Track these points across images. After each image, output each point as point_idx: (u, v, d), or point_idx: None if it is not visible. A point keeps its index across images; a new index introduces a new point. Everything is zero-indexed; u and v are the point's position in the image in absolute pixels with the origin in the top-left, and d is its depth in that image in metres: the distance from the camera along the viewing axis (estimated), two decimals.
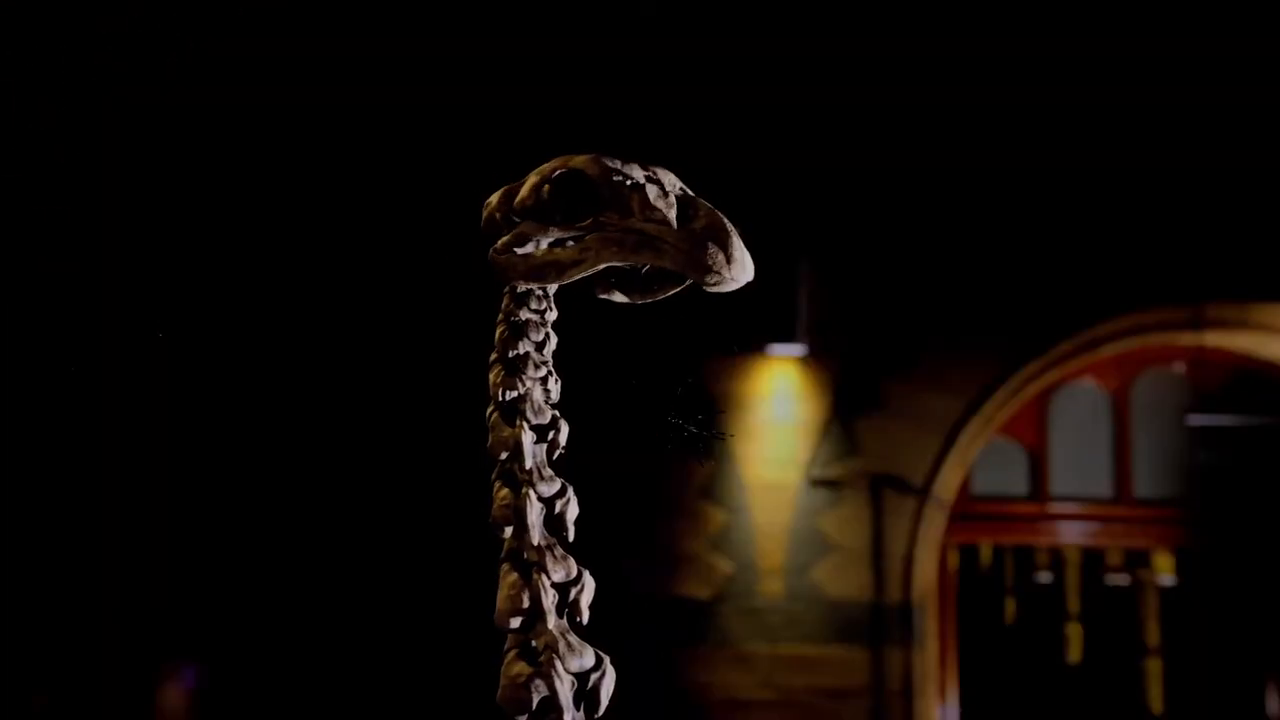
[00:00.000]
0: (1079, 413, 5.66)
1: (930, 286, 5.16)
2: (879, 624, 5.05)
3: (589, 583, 1.21)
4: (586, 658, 1.16)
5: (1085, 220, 5.12)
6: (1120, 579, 6.25)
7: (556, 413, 1.26)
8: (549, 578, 1.17)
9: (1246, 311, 5.31)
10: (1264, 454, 5.66)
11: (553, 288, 1.30)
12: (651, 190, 1.14)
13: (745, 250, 1.13)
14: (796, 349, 5.07)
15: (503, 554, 1.18)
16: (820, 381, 5.15)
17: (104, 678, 4.83)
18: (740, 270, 1.12)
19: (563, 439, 1.25)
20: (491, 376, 1.25)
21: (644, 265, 1.18)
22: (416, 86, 4.87)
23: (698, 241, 1.10)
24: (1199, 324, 5.27)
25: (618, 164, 1.16)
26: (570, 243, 1.18)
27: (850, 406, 5.13)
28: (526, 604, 1.15)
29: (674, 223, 1.12)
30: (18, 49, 4.91)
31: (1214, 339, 5.40)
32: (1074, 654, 6.30)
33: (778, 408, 5.14)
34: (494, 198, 1.25)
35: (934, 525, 5.20)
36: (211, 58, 4.88)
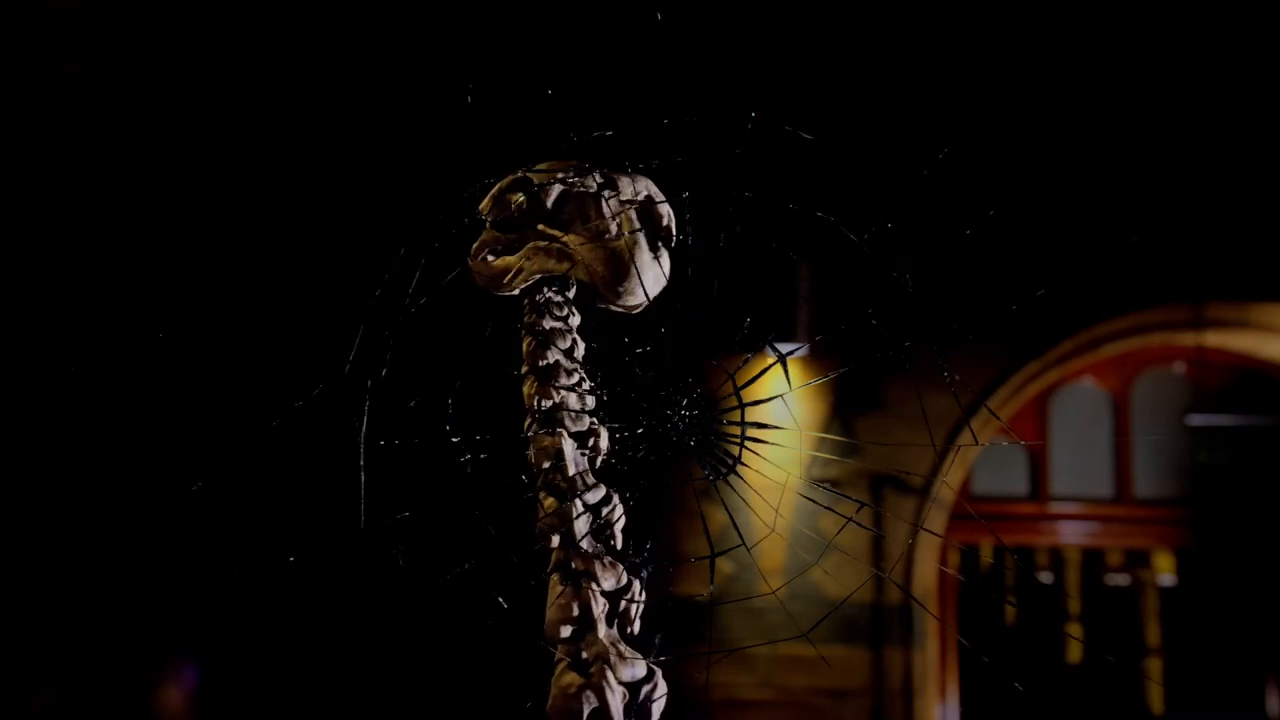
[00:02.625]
0: (1079, 412, 5.66)
1: (930, 286, 5.15)
2: (879, 624, 5.05)
3: (639, 591, 1.19)
4: (638, 668, 1.15)
5: (1085, 220, 5.12)
6: (1120, 579, 6.24)
7: (594, 419, 1.26)
8: (599, 586, 1.16)
9: (1247, 311, 5.31)
10: (1264, 454, 5.65)
11: (570, 292, 1.31)
12: (596, 202, 1.18)
13: (649, 267, 1.17)
14: (797, 349, 5.06)
15: (550, 564, 1.17)
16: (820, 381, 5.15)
17: (104, 678, 4.83)
18: (625, 297, 1.18)
19: (604, 444, 1.26)
20: (525, 389, 1.24)
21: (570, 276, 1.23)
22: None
23: (600, 261, 1.17)
24: (1199, 324, 5.27)
25: (574, 171, 1.20)
26: (514, 247, 1.23)
27: (850, 406, 5.13)
28: (576, 614, 1.13)
29: (605, 236, 1.17)
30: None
31: (1214, 339, 5.40)
32: (1074, 654, 6.29)
33: (777, 407, 5.13)
34: (485, 200, 1.28)
35: (934, 525, 5.20)
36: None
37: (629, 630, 1.18)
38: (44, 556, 4.88)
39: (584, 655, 1.12)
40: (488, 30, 4.97)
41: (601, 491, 1.23)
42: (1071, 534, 5.74)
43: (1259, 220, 5.14)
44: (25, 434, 4.92)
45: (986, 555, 6.13)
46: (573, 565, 1.16)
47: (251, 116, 5.11)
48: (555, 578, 1.16)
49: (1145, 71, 4.99)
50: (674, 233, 1.24)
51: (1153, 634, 6.00)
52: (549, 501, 1.19)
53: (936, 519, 5.19)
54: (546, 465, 1.20)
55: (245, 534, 4.77)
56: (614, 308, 1.21)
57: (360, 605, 4.42)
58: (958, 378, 1.40)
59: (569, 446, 1.21)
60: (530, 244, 1.21)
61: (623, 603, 1.18)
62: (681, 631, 1.28)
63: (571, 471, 1.20)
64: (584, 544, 1.17)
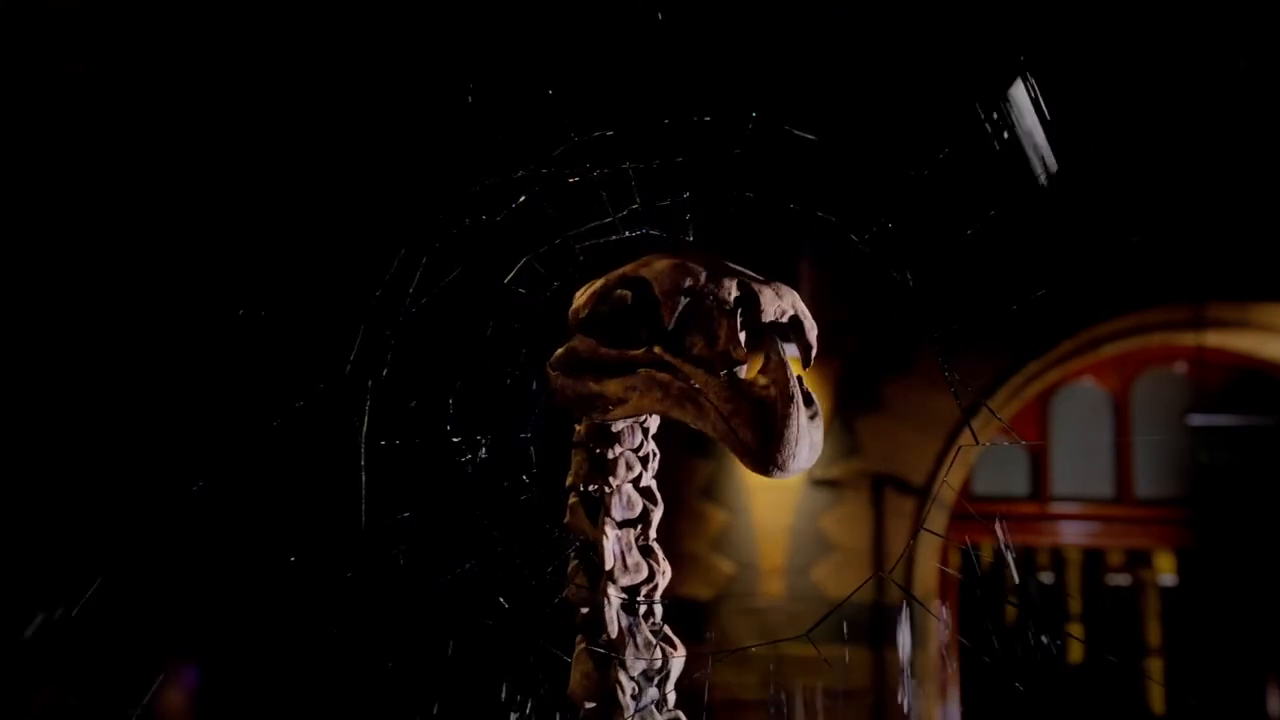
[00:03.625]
0: (1080, 413, 5.66)
1: (931, 286, 5.15)
2: (880, 624, 5.04)
3: (675, 667, 1.12)
4: None
5: (1086, 220, 5.12)
6: (1121, 579, 6.24)
7: (648, 502, 1.14)
8: (626, 672, 1.08)
9: (1247, 311, 5.30)
10: (1265, 454, 5.65)
11: (652, 426, 1.12)
12: (730, 323, 0.91)
13: (805, 433, 0.89)
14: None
15: (578, 642, 1.10)
16: (820, 381, 5.15)
17: (104, 678, 4.83)
18: (792, 455, 0.88)
19: (655, 524, 1.15)
20: (576, 461, 1.11)
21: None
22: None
23: (747, 413, 0.88)
24: (1200, 324, 5.27)
25: (704, 279, 0.91)
26: (621, 374, 0.97)
27: (850, 406, 5.13)
28: (602, 691, 1.06)
29: (737, 374, 0.90)
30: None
31: (1215, 339, 5.40)
32: (1075, 654, 6.29)
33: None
34: (579, 295, 1.05)
35: (935, 525, 5.20)
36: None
37: (665, 710, 1.11)
38: (44, 556, 4.88)
39: None
40: (489, 30, 4.97)
41: (643, 573, 1.13)
42: (1072, 534, 5.74)
43: (1259, 220, 5.13)
44: (26, 434, 4.92)
45: (988, 556, 6.12)
46: (600, 644, 1.07)
47: (252, 116, 5.11)
48: (581, 649, 1.09)
49: (1146, 71, 4.99)
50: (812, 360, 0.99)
51: (1153, 634, 6.00)
52: (579, 579, 1.10)
53: (937, 519, 5.18)
54: (580, 542, 1.11)
55: (246, 534, 4.76)
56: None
57: (361, 605, 4.42)
58: (958, 377, 1.36)
59: (610, 541, 1.09)
60: (643, 373, 0.94)
61: (655, 680, 1.10)
62: (685, 632, 1.27)
63: (609, 564, 1.09)
64: (613, 629, 1.08)
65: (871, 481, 5.11)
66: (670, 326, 0.91)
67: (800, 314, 0.95)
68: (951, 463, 5.08)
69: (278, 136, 5.10)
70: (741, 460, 0.89)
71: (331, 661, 4.79)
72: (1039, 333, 5.18)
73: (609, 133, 1.28)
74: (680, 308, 0.91)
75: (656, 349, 0.93)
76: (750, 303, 0.92)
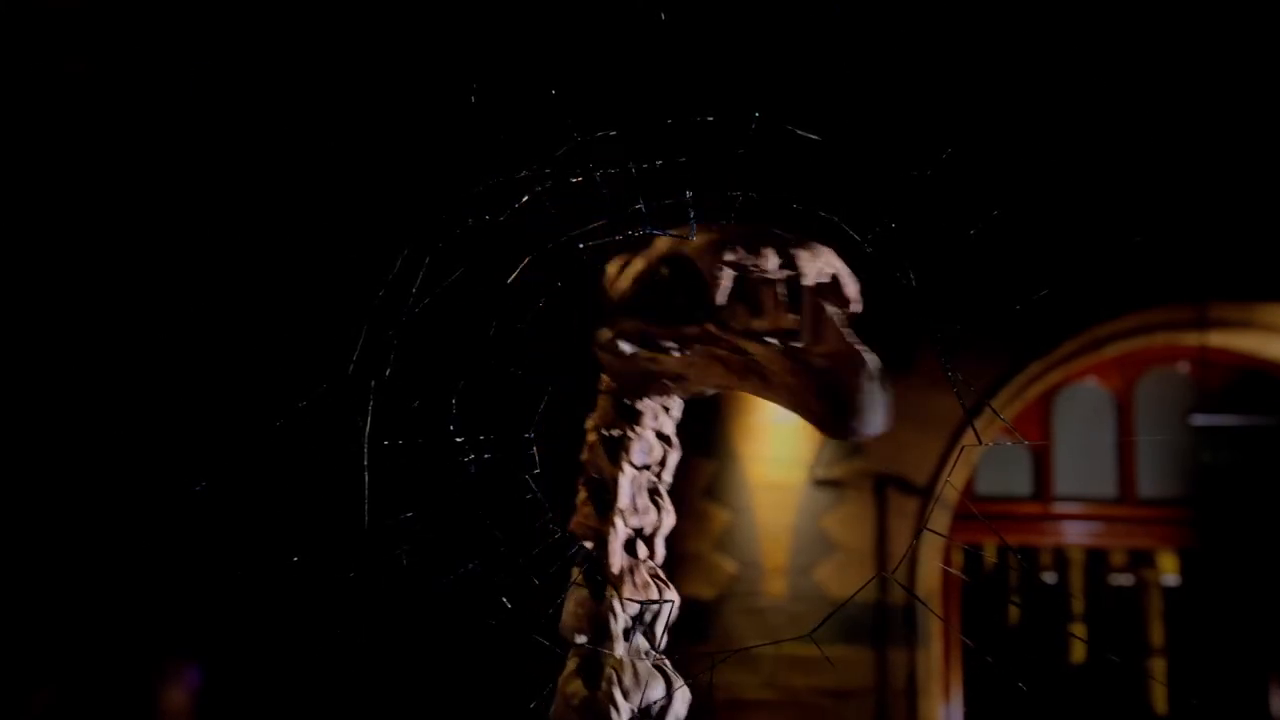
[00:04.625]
0: (1083, 413, 5.65)
1: (934, 286, 5.15)
2: (883, 624, 5.04)
3: (668, 609, 1.10)
4: (654, 689, 1.06)
5: (1089, 220, 5.11)
6: (1124, 579, 6.24)
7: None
8: (623, 607, 1.06)
9: (1251, 311, 5.30)
10: (1268, 454, 5.65)
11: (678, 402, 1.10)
12: (775, 291, 0.88)
13: (877, 395, 0.86)
14: None
15: (574, 574, 1.08)
16: None
17: (104, 678, 4.83)
18: (866, 422, 0.86)
19: (671, 464, 1.14)
20: (591, 443, 1.10)
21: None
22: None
23: (813, 382, 0.86)
24: (1203, 324, 5.26)
25: (743, 250, 0.89)
26: (676, 351, 0.95)
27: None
28: (594, 620, 1.05)
29: (793, 342, 0.87)
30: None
31: (1218, 339, 5.39)
32: (1078, 654, 6.29)
33: (781, 408, 5.13)
34: (611, 268, 1.04)
35: (938, 525, 5.20)
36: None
37: (654, 644, 1.09)
38: (45, 556, 4.88)
39: (597, 665, 1.04)
40: (490, 30, 4.97)
41: (650, 516, 1.13)
42: (1075, 534, 5.73)
43: (1262, 220, 5.13)
44: (27, 433, 4.92)
45: (991, 556, 6.12)
46: (597, 576, 1.06)
47: (253, 116, 5.11)
48: (578, 577, 1.07)
49: (1148, 71, 4.98)
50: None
51: (1156, 634, 5.99)
52: (587, 509, 1.09)
53: (940, 519, 5.18)
54: (593, 477, 1.10)
55: (248, 534, 4.77)
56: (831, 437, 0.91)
57: (364, 606, 4.42)
58: (961, 377, 1.36)
59: (625, 479, 1.09)
60: (700, 348, 0.92)
61: (648, 614, 1.09)
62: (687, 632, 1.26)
63: (622, 502, 1.08)
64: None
65: (874, 481, 5.11)
66: (719, 301, 0.89)
67: (839, 271, 0.93)
68: (954, 463, 5.07)
69: (279, 136, 5.10)
70: (818, 428, 0.88)
71: (334, 660, 4.79)
72: (1042, 333, 5.18)
73: (612, 133, 1.28)
74: (726, 280, 0.89)
75: (709, 325, 0.91)
76: (791, 268, 0.90)
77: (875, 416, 0.85)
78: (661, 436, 1.12)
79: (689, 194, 1.25)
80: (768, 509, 5.09)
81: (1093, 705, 5.87)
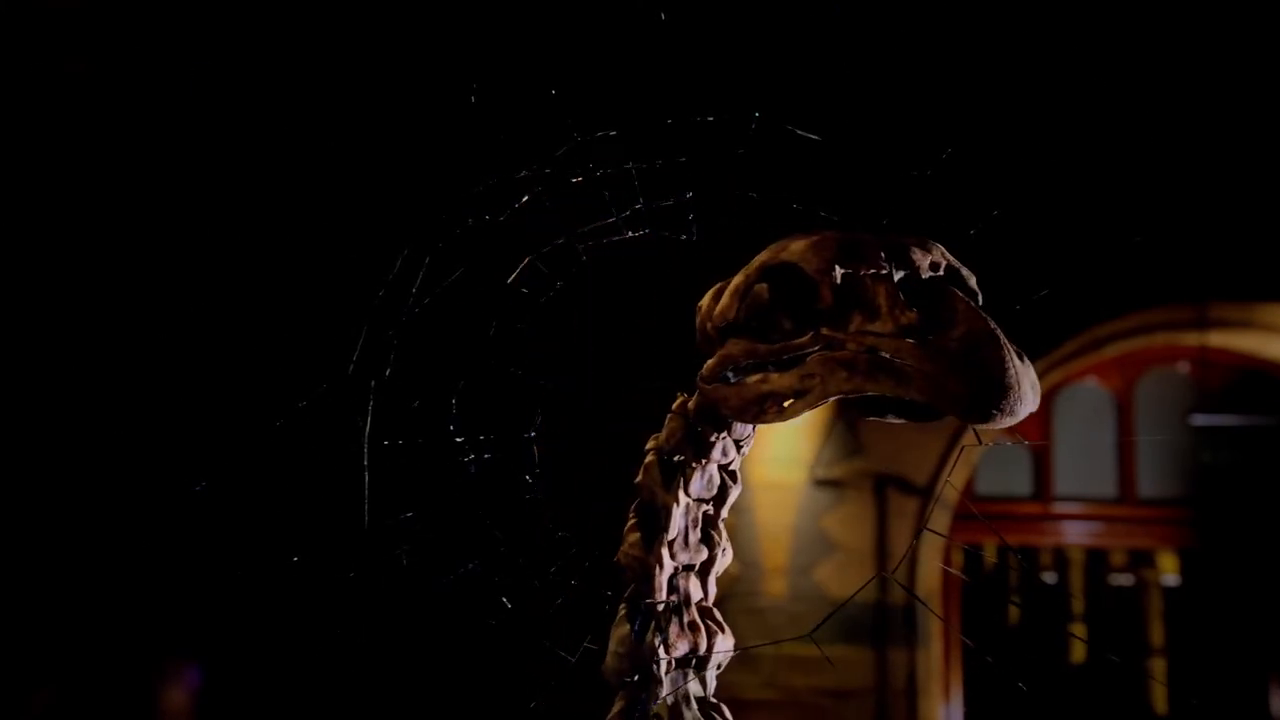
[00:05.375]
0: (1083, 413, 5.65)
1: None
2: (883, 624, 5.04)
3: (720, 651, 1.09)
4: None
5: (1089, 220, 5.11)
6: (1124, 579, 6.24)
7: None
8: (668, 648, 1.04)
9: (1250, 311, 5.30)
10: (1268, 454, 5.65)
11: (750, 429, 1.06)
12: (890, 287, 0.84)
13: (1022, 372, 0.82)
14: None
15: (620, 610, 1.05)
16: None
17: (104, 678, 4.83)
18: (1015, 399, 0.80)
19: (730, 499, 1.11)
20: (647, 477, 1.05)
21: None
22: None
23: (951, 367, 0.80)
24: (1203, 324, 5.26)
25: (850, 248, 0.87)
26: (790, 366, 0.90)
27: (854, 407, 5.12)
28: (637, 667, 1.01)
29: (921, 332, 0.83)
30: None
31: (1218, 339, 5.39)
32: (1078, 654, 6.29)
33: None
34: (704, 300, 0.99)
35: (938, 525, 5.20)
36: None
37: (705, 689, 1.07)
38: (45, 556, 4.88)
39: (642, 709, 1.01)
40: (491, 30, 4.97)
41: (703, 554, 1.10)
42: (1075, 534, 5.73)
43: (1262, 220, 5.13)
44: (27, 433, 4.92)
45: (991, 555, 6.12)
46: (642, 611, 1.02)
47: (253, 116, 5.11)
48: (622, 618, 1.03)
49: (1148, 71, 4.98)
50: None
51: (1156, 634, 5.99)
52: (634, 539, 1.05)
53: (940, 519, 5.18)
54: (644, 503, 1.05)
55: (248, 534, 4.77)
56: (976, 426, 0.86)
57: (364, 605, 4.42)
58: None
59: (679, 510, 1.05)
60: (818, 357, 0.87)
61: (696, 656, 1.06)
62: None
63: (672, 534, 1.04)
64: (664, 593, 1.03)
65: (874, 481, 5.10)
66: (832, 303, 0.85)
67: (954, 263, 0.90)
68: (954, 463, 5.07)
69: (280, 136, 5.10)
70: (961, 417, 0.82)
71: (334, 660, 4.79)
72: (1041, 332, 5.17)
73: (612, 133, 1.28)
74: (837, 282, 0.85)
75: (824, 330, 0.86)
76: (902, 262, 0.86)
77: (1024, 393, 0.82)
78: (727, 471, 1.07)
79: (689, 194, 1.25)
80: (768, 509, 5.09)
81: (1093, 705, 5.86)
